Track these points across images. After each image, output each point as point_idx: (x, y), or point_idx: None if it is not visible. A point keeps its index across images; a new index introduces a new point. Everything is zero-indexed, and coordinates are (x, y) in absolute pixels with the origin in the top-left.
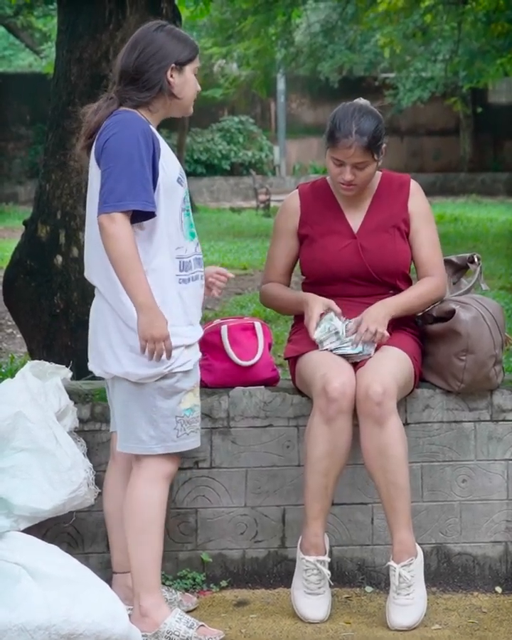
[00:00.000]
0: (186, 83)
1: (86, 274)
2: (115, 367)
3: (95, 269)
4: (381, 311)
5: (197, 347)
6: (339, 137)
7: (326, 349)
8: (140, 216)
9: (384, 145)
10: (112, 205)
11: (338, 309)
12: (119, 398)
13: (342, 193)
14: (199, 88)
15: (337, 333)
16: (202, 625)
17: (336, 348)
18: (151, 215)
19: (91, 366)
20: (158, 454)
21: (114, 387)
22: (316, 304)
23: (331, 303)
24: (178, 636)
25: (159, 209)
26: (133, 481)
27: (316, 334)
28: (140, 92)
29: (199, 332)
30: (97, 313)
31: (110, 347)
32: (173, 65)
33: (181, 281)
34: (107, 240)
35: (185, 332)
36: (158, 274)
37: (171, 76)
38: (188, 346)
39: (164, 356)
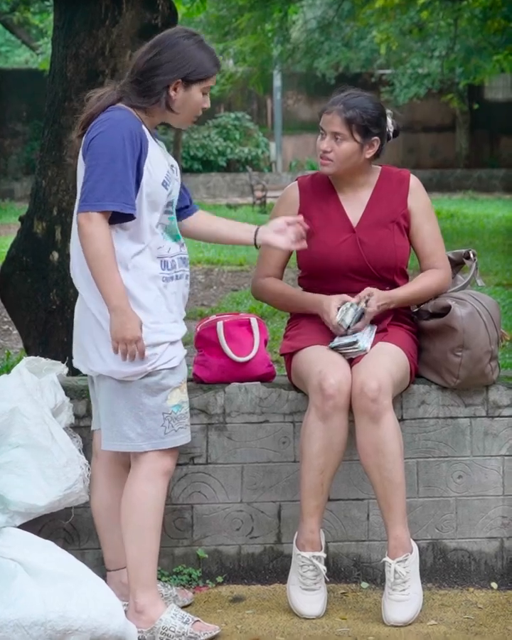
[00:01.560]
0: (188, 101)
1: (71, 273)
2: (99, 365)
3: (77, 267)
4: (387, 300)
5: (181, 343)
6: (327, 106)
7: (344, 327)
8: (120, 217)
9: (374, 137)
10: (90, 205)
11: (351, 298)
12: (105, 396)
13: (320, 169)
14: (207, 106)
15: (354, 307)
16: (198, 620)
17: (336, 341)
18: (130, 217)
19: (76, 363)
20: (146, 451)
21: (98, 384)
22: (333, 298)
23: (345, 296)
24: (173, 631)
25: (141, 210)
26: (130, 479)
27: (337, 317)
28: (139, 97)
29: (183, 328)
30: (81, 311)
31: (94, 345)
32: (179, 79)
33: (164, 279)
34: (83, 238)
35: (170, 329)
36: (139, 271)
37: (174, 90)
38: (172, 343)
39: (137, 357)
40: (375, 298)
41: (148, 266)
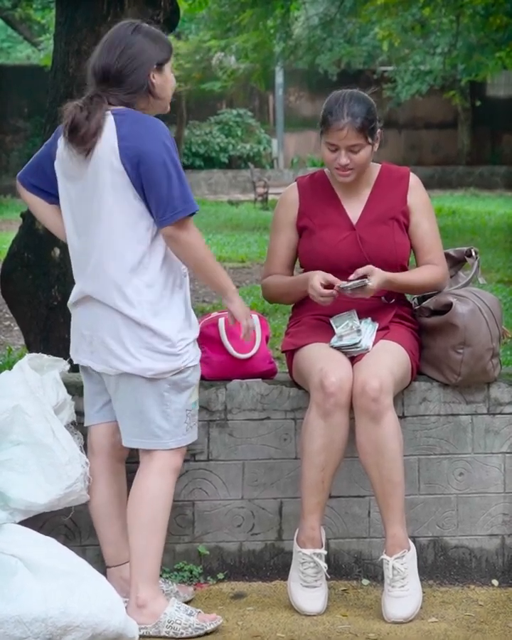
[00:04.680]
0: (166, 82)
1: (98, 281)
2: (132, 363)
3: (107, 275)
4: (383, 273)
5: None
6: (332, 121)
7: (338, 344)
8: None
9: (378, 129)
10: (181, 212)
11: (334, 279)
12: (130, 395)
13: (339, 180)
14: (174, 83)
15: (359, 330)
16: (199, 612)
17: (337, 341)
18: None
19: (87, 362)
20: (171, 448)
21: (118, 384)
22: (316, 274)
23: (329, 276)
24: (180, 624)
25: None
26: (143, 474)
27: (338, 330)
28: (126, 94)
29: (198, 327)
30: (102, 314)
31: (122, 345)
32: (154, 66)
33: (186, 274)
34: (184, 248)
35: (190, 328)
36: (174, 272)
37: (153, 77)
38: (194, 341)
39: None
40: (376, 277)
41: (179, 265)
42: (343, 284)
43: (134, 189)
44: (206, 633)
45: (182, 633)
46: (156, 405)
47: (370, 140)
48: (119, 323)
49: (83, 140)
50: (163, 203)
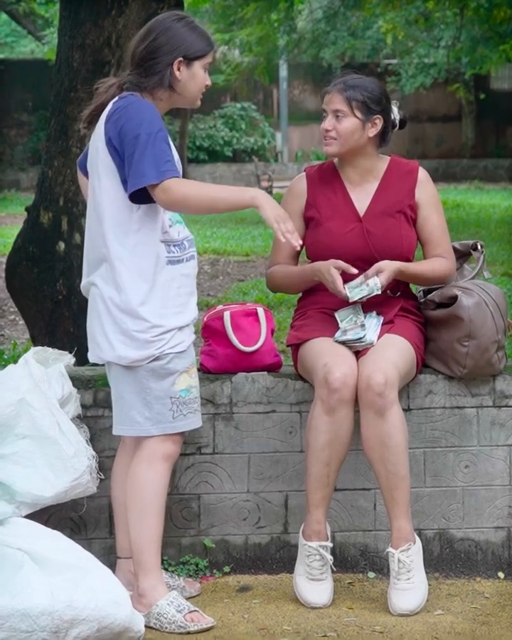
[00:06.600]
0: (193, 79)
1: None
2: (108, 352)
3: (91, 256)
4: (393, 266)
5: (191, 328)
6: (328, 88)
7: (343, 339)
8: (145, 199)
9: (377, 116)
10: (145, 180)
11: (345, 265)
12: (114, 382)
13: (323, 151)
14: (209, 83)
15: (363, 325)
16: (195, 610)
17: (341, 336)
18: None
19: (89, 354)
20: (153, 435)
21: (109, 372)
22: (329, 264)
23: (339, 262)
24: (165, 619)
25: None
26: (133, 463)
27: (343, 325)
28: (142, 77)
29: (192, 314)
30: (91, 302)
31: (103, 333)
32: (180, 58)
33: (171, 262)
34: (174, 207)
35: (177, 314)
36: (143, 255)
37: (179, 69)
38: (180, 328)
39: (290, 237)
40: (386, 274)
41: (153, 251)
42: (355, 296)
43: (119, 169)
44: (188, 633)
45: (166, 628)
46: (135, 392)
47: (358, 115)
48: (102, 310)
49: (87, 113)
50: (131, 173)
